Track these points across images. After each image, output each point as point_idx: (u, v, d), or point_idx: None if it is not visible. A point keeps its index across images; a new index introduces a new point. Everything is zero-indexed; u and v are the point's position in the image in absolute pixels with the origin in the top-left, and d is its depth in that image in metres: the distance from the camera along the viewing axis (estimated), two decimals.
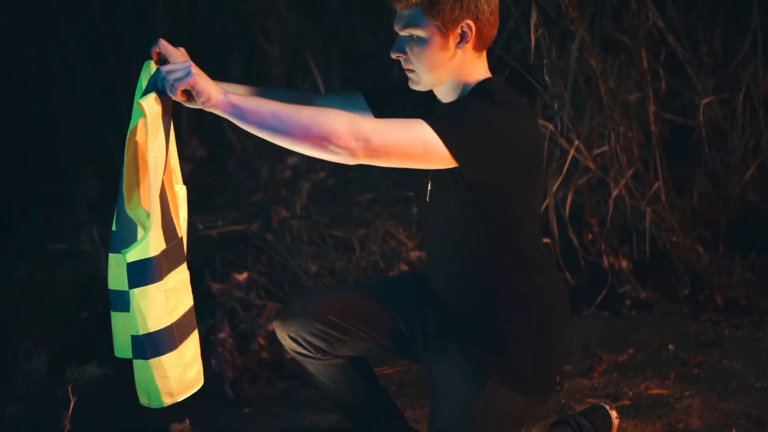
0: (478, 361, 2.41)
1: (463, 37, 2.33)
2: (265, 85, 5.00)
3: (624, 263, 3.87)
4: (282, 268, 4.04)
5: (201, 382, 2.30)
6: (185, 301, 2.25)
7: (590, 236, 3.92)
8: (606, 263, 3.86)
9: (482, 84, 2.38)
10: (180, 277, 2.23)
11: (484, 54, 2.41)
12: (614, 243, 3.90)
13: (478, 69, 2.39)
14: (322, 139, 2.15)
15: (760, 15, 3.76)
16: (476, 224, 2.37)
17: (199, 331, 2.33)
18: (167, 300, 2.18)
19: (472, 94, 2.36)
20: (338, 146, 2.16)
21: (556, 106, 3.72)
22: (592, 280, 3.91)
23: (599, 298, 3.81)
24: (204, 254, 4.13)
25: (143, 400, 2.25)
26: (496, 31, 2.39)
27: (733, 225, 3.94)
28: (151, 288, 2.16)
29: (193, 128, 4.95)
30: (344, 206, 4.50)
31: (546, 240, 3.75)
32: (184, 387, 2.24)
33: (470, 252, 2.42)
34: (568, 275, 3.88)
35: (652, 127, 3.80)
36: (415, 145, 2.21)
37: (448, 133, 2.22)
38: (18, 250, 4.47)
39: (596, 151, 3.76)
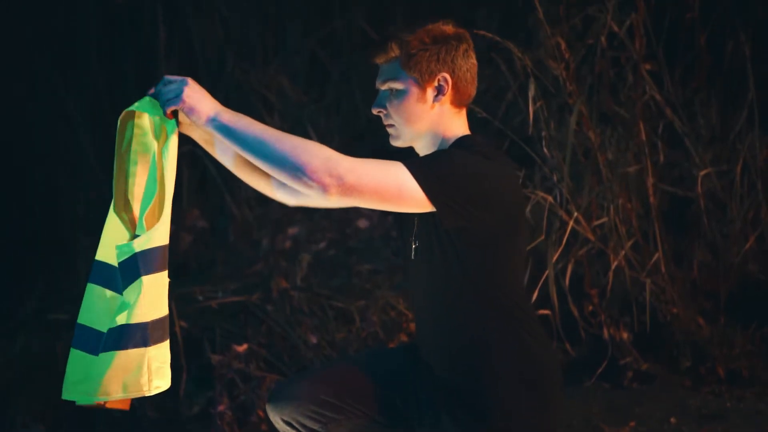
0: (470, 430, 2.39)
1: (440, 90, 2.39)
2: None
3: (625, 335, 3.86)
4: (282, 340, 4.03)
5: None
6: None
7: (590, 307, 3.92)
8: (606, 334, 3.85)
9: (461, 139, 2.42)
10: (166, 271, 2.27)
11: (464, 112, 2.45)
12: (614, 314, 3.90)
13: (457, 125, 2.43)
14: (296, 170, 2.17)
15: (756, 89, 3.81)
16: (458, 279, 2.37)
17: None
18: (167, 289, 2.23)
19: (452, 147, 2.40)
20: (312, 179, 2.16)
21: (555, 178, 3.74)
22: (592, 351, 3.90)
23: (600, 370, 3.79)
24: (204, 325, 4.12)
25: (114, 395, 2.20)
26: (474, 90, 2.44)
27: (733, 296, 3.94)
28: (164, 275, 2.21)
29: (193, 199, 4.97)
30: (344, 277, 4.50)
31: (546, 311, 3.75)
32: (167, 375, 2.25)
33: (453, 309, 2.40)
34: (568, 346, 3.87)
35: (651, 199, 3.82)
36: (390, 187, 2.22)
37: (425, 176, 2.24)
38: (18, 321, 4.47)
39: (595, 223, 3.78)
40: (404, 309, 4.14)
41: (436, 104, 2.39)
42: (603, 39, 3.75)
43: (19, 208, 4.95)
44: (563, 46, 3.66)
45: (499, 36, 3.57)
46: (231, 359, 3.87)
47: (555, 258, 3.70)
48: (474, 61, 2.42)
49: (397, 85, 2.38)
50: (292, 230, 4.81)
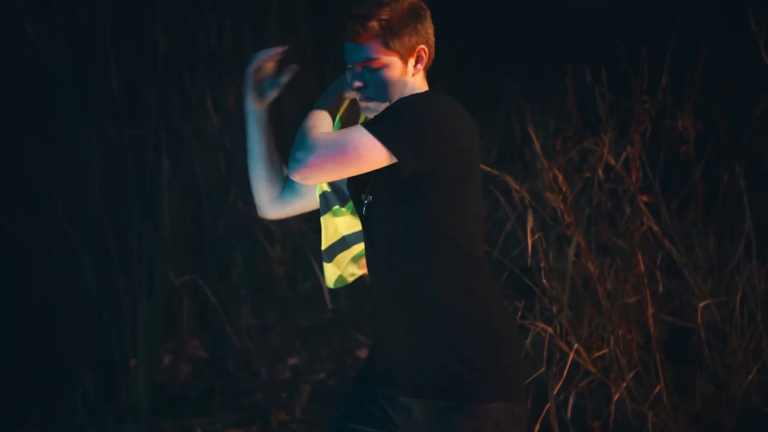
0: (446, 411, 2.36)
1: (419, 61, 2.44)
2: (264, 284, 5.07)
3: None
4: None
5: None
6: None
7: None
8: None
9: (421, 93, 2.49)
10: None
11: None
12: None
13: (421, 85, 2.49)
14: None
15: (752, 220, 3.84)
16: (414, 226, 2.38)
17: None
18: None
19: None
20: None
21: (554, 309, 3.74)
22: None
23: None
24: None
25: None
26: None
27: (737, 428, 3.89)
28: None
29: (193, 329, 4.97)
30: None
31: None
32: None
33: (410, 259, 2.40)
34: None
35: (651, 329, 3.81)
36: (348, 151, 2.30)
37: (381, 129, 2.30)
38: None
39: (596, 354, 3.76)
40: None
41: (414, 74, 2.45)
42: (600, 171, 3.81)
43: (17, 340, 4.93)
44: (560, 178, 3.71)
45: (497, 168, 3.63)
46: None
47: (556, 390, 3.67)
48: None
49: (381, 63, 2.42)
50: (292, 360, 4.79)
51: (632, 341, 3.80)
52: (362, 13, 2.39)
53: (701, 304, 3.81)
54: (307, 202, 2.66)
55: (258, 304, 5.04)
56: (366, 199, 2.46)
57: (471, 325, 2.39)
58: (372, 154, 2.31)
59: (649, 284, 3.83)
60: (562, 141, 3.92)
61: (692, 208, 4.07)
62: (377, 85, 2.43)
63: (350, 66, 2.45)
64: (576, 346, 3.68)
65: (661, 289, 3.92)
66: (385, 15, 2.39)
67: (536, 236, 3.69)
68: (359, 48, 2.42)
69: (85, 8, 5.37)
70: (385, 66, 2.42)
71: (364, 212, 2.46)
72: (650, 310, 3.80)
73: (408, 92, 2.47)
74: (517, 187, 3.69)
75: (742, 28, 3.72)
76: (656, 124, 3.81)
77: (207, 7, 5.38)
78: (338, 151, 2.30)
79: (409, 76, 2.45)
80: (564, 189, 3.71)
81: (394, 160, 2.32)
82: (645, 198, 3.84)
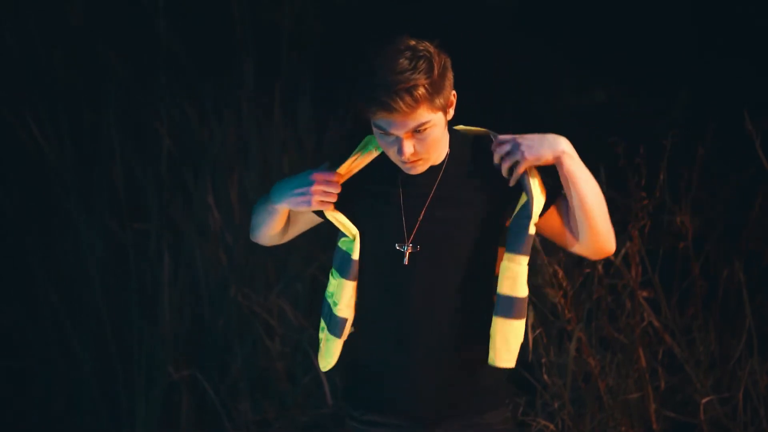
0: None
1: (451, 106, 2.43)
2: (264, 380, 5.04)
3: None
4: None
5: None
6: None
7: None
8: None
9: (480, 137, 2.54)
10: None
11: None
12: None
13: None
14: (606, 250, 2.52)
15: (752, 315, 3.84)
16: (479, 277, 2.50)
17: None
18: None
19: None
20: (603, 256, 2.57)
21: (556, 405, 3.72)
22: None
23: None
24: None
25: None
26: None
27: None
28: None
29: (192, 425, 4.93)
30: None
31: None
32: None
33: (468, 306, 2.52)
34: None
35: (654, 426, 3.79)
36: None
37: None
38: None
39: None
40: None
41: (449, 119, 2.45)
42: (599, 267, 3.82)
43: None
44: (560, 274, 3.72)
45: None
46: None
47: None
48: None
49: (431, 124, 2.36)
50: None
51: None
52: (407, 85, 2.30)
53: (704, 400, 3.79)
54: (296, 230, 2.68)
55: (258, 400, 5.00)
56: (411, 248, 2.47)
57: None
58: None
59: (651, 380, 3.82)
60: None
61: (692, 303, 4.07)
62: (429, 146, 2.39)
63: (392, 136, 2.37)
64: None
65: (663, 384, 3.91)
66: (426, 78, 2.32)
67: (537, 332, 3.70)
68: (408, 118, 2.34)
69: (90, 107, 5.47)
70: (434, 126, 2.37)
71: (405, 262, 2.46)
72: (653, 406, 3.78)
73: (446, 138, 2.47)
74: None
75: (738, 126, 3.77)
76: (655, 220, 3.84)
77: (209, 108, 5.47)
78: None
79: (447, 123, 2.44)
80: (564, 284, 3.72)
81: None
82: (645, 293, 3.86)
